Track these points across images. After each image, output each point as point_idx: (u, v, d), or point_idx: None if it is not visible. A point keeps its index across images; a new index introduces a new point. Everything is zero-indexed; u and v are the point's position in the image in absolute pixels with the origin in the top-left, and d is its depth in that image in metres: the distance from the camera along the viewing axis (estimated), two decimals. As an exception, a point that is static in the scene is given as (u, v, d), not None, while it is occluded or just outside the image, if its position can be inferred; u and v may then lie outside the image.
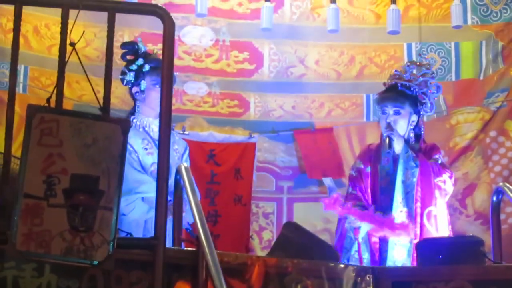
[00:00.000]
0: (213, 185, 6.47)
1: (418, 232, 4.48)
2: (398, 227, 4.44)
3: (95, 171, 2.65)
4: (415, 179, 4.54)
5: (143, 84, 4.57)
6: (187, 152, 4.73)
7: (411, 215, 4.49)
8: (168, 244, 3.24)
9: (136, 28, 6.28)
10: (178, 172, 3.54)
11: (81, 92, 6.10)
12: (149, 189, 4.23)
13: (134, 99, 4.65)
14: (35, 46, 6.23)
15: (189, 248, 3.38)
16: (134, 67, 4.58)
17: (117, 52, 4.43)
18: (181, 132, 6.29)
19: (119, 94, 5.68)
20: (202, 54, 6.62)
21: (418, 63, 4.84)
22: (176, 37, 4.04)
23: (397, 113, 4.67)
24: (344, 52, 6.69)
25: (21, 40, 3.27)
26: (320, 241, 3.92)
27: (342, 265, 3.77)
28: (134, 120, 4.57)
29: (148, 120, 4.59)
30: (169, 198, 3.16)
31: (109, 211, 2.64)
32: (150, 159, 4.46)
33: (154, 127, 4.51)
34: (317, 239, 3.91)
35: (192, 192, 3.34)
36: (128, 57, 4.60)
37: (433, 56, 6.53)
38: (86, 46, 6.12)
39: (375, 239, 4.52)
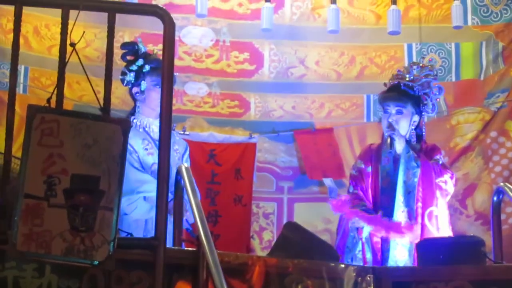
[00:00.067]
0: (213, 185, 6.47)
1: (419, 232, 4.48)
2: (406, 231, 4.44)
3: (95, 171, 2.65)
4: (416, 179, 4.54)
5: (143, 84, 4.57)
6: (188, 152, 4.73)
7: (411, 215, 4.49)
8: (169, 244, 3.24)
9: (136, 29, 6.27)
10: (178, 172, 3.55)
11: (82, 93, 6.10)
12: (151, 188, 4.22)
13: (134, 100, 4.65)
14: (35, 47, 6.22)
15: (190, 248, 3.38)
16: (134, 67, 4.58)
17: (117, 52, 4.42)
18: (182, 132, 6.28)
19: (120, 94, 5.68)
20: (203, 55, 6.61)
21: (421, 64, 4.84)
22: (176, 38, 4.05)
23: (399, 112, 4.67)
24: (345, 53, 6.68)
25: (21, 40, 3.28)
26: (321, 241, 3.92)
27: (342, 265, 3.77)
28: (134, 121, 4.57)
29: (148, 120, 4.59)
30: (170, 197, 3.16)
31: (110, 211, 2.64)
32: (151, 159, 4.46)
33: (154, 127, 4.51)
34: (317, 239, 3.91)
35: (192, 192, 3.34)
36: (128, 57, 4.60)
37: (434, 56, 6.52)
38: (86, 46, 6.12)
39: (377, 239, 4.52)
